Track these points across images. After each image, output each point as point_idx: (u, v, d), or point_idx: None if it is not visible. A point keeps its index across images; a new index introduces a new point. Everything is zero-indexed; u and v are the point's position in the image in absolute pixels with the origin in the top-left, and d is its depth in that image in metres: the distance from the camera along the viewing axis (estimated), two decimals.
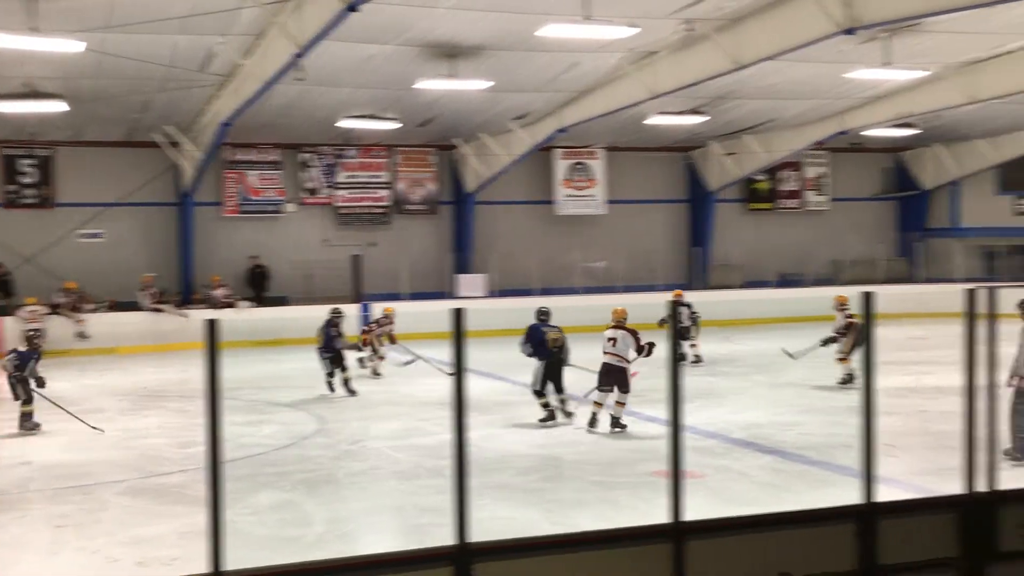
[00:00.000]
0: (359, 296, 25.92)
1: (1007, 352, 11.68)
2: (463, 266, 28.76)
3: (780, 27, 16.44)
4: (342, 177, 28.40)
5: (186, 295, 26.19)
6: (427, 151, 28.92)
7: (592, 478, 10.72)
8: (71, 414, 13.68)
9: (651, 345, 12.88)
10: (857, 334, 15.81)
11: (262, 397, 16.67)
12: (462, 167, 28.73)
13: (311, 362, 17.27)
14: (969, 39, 18.48)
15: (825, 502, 6.42)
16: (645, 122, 25.32)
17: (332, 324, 16.96)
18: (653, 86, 20.04)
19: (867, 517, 5.81)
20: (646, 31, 17.09)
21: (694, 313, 19.89)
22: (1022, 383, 10.38)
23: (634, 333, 13.06)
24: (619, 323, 13.32)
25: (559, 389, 13.70)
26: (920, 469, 10.36)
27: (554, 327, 13.69)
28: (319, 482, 10.72)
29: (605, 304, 15.47)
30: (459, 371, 4.32)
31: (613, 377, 13.03)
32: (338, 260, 27.13)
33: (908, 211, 33.45)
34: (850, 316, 16.30)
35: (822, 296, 21.68)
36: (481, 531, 4.34)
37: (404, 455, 11.90)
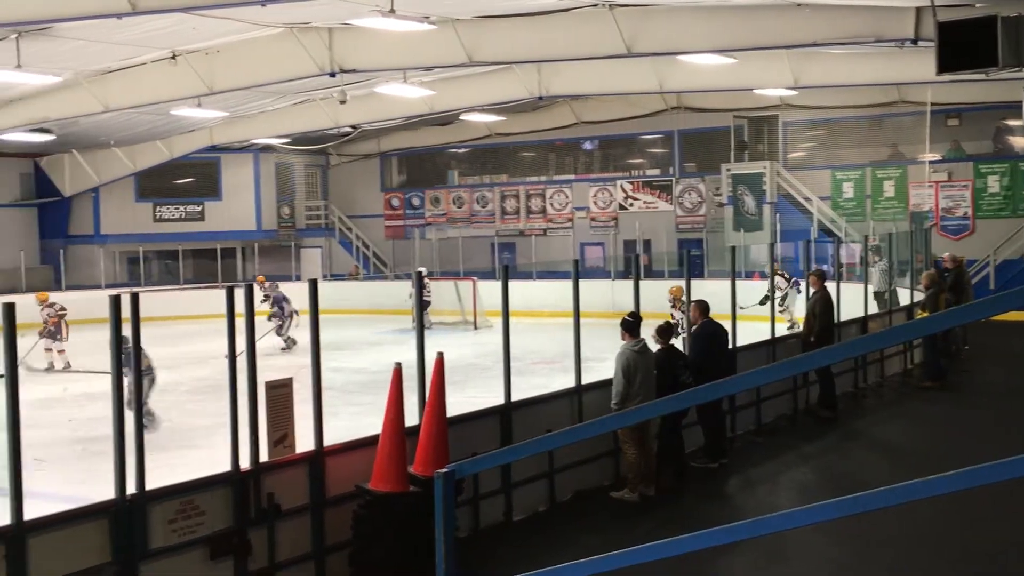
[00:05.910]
0: None
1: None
2: None
3: None
4: None
5: None
6: None
7: None
8: None
9: None
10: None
11: None
12: None
13: None
14: (101, 48, 18.64)
15: None
16: None
17: None
18: None
19: (16, 537, 5.63)
20: None
21: None
22: None
23: None
24: None
25: None
26: (72, 479, 10.27)
27: None
28: None
29: None
30: None
31: None
32: None
33: (49, 218, 32.79)
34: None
35: None
36: None
37: None
